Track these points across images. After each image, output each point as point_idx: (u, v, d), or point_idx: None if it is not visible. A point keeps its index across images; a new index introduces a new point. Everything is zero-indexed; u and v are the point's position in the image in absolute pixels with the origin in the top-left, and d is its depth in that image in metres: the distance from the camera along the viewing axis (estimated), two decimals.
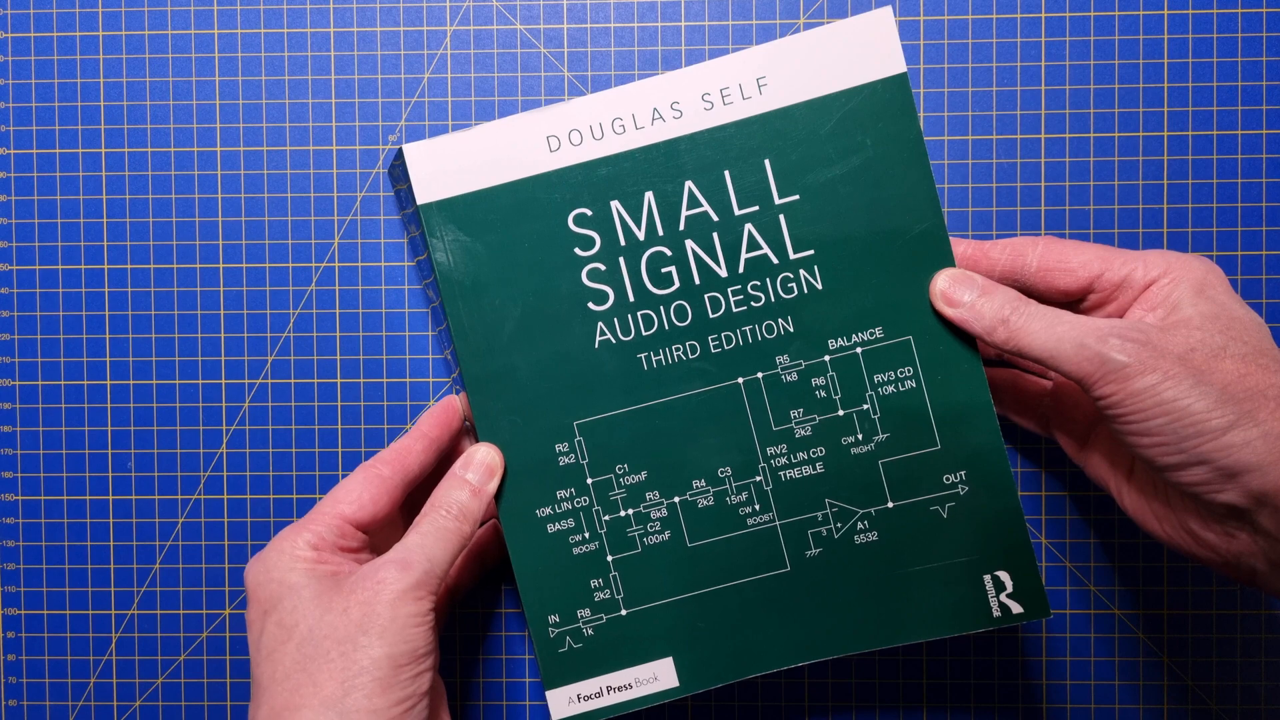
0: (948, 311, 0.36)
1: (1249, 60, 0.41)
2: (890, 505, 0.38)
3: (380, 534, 0.38)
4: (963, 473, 0.37)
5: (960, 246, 0.37)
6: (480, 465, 0.37)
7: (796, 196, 0.37)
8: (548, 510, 0.38)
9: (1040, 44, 0.42)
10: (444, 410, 0.39)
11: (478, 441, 0.37)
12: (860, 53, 0.37)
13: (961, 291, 0.36)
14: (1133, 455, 0.35)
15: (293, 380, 0.43)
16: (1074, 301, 0.37)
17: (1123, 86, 0.42)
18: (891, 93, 0.37)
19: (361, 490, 0.36)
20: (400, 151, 0.37)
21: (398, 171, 0.39)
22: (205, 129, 0.43)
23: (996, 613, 0.37)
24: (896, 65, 0.37)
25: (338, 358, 0.43)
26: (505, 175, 0.38)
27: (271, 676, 0.33)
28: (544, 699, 0.43)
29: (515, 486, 0.38)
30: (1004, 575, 0.37)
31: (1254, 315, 0.34)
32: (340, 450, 0.43)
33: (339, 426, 0.43)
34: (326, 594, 0.34)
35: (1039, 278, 0.36)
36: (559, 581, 0.38)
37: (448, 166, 0.38)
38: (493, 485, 0.37)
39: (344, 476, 0.43)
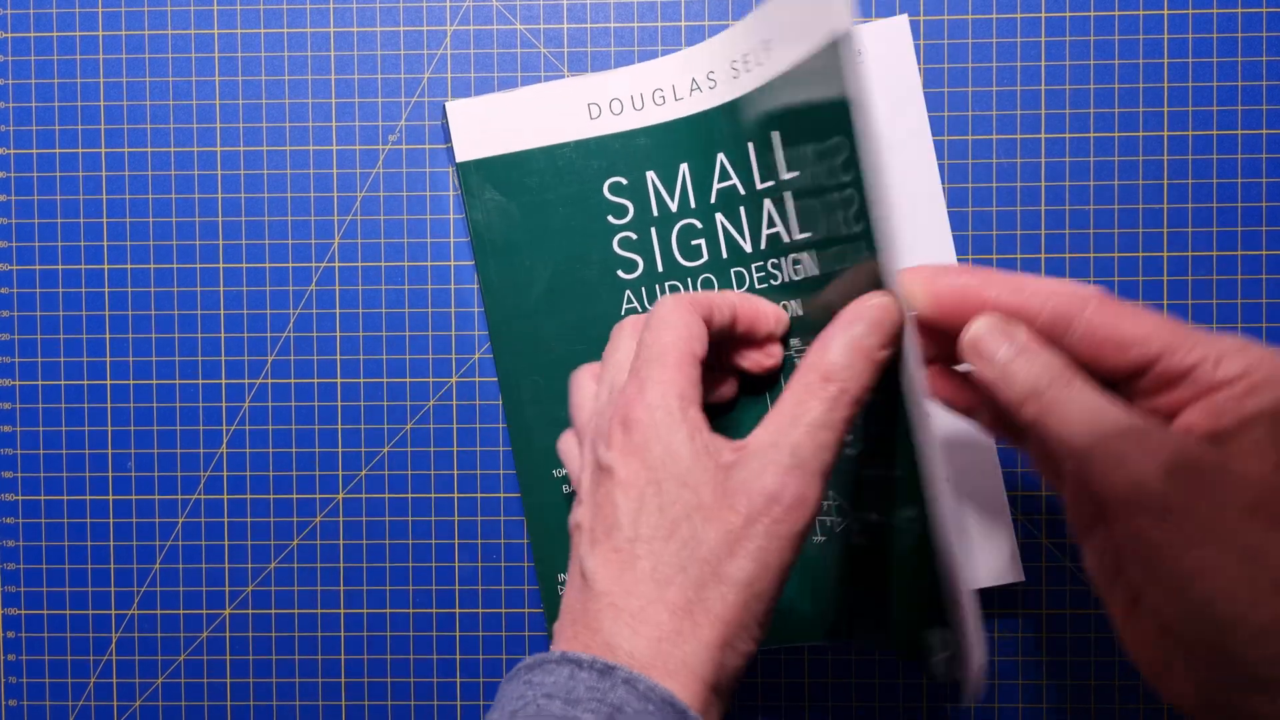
0: (975, 365, 0.29)
1: (1249, 60, 0.41)
2: (872, 516, 0.35)
3: None
4: (917, 509, 0.31)
5: (996, 286, 0.30)
6: (879, 327, 0.30)
7: (798, 173, 0.34)
8: (564, 471, 0.38)
9: (1040, 44, 0.42)
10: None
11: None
12: (815, 9, 0.31)
13: (997, 343, 0.29)
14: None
15: (293, 380, 0.43)
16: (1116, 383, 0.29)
17: (1122, 86, 0.42)
18: (828, 60, 0.30)
19: (700, 327, 0.31)
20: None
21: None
22: (205, 129, 0.43)
23: (936, 669, 0.33)
24: (839, 25, 0.29)
25: (338, 358, 0.43)
26: (545, 139, 0.38)
27: (654, 569, 0.29)
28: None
29: (533, 445, 0.38)
30: (942, 636, 0.32)
31: None
32: (340, 450, 0.43)
33: (339, 426, 0.43)
34: (711, 479, 0.29)
35: (1083, 345, 0.28)
36: (569, 542, 0.38)
37: (489, 126, 0.38)
38: (888, 354, 0.30)
39: (344, 477, 0.43)
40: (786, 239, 0.36)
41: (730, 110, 0.37)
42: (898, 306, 0.30)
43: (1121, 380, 0.29)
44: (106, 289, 0.43)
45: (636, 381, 0.31)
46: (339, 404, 0.43)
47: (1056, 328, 0.29)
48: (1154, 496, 0.25)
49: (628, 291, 0.38)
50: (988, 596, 0.42)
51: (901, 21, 0.38)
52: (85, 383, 0.43)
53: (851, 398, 0.29)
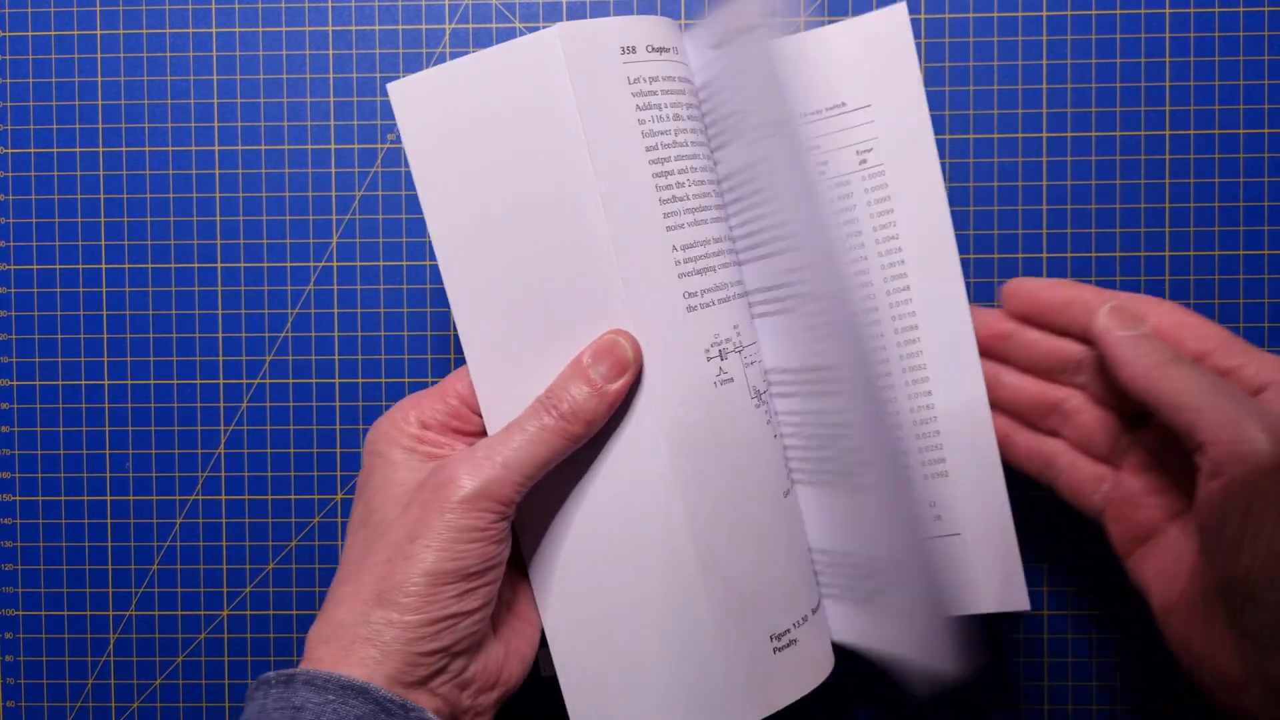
0: (1105, 336, 0.33)
1: (1251, 59, 0.41)
2: None
3: None
4: None
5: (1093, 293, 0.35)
6: (608, 356, 0.32)
7: None
8: None
9: (1041, 43, 0.42)
10: None
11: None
12: None
13: (1128, 321, 0.33)
14: (1192, 578, 0.32)
15: (291, 380, 0.43)
16: None
17: (1124, 85, 0.42)
18: None
19: None
20: None
21: None
22: (203, 128, 0.43)
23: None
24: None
25: (336, 358, 0.43)
26: None
27: (346, 556, 0.33)
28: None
29: None
30: None
31: None
32: (339, 451, 0.43)
33: (337, 427, 0.43)
34: (408, 483, 0.32)
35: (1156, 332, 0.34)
36: None
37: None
38: (620, 385, 0.32)
39: (342, 477, 0.43)
40: None
41: None
42: (629, 342, 0.32)
43: None
44: (104, 289, 0.43)
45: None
46: (337, 404, 0.43)
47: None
48: (1260, 451, 0.29)
49: None
50: None
51: (900, 10, 0.38)
52: (83, 383, 0.43)
53: (561, 413, 0.32)
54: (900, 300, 0.39)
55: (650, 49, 0.33)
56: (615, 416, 0.33)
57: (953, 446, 0.37)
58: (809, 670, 0.35)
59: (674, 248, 0.33)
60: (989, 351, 0.37)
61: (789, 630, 0.35)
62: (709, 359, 0.33)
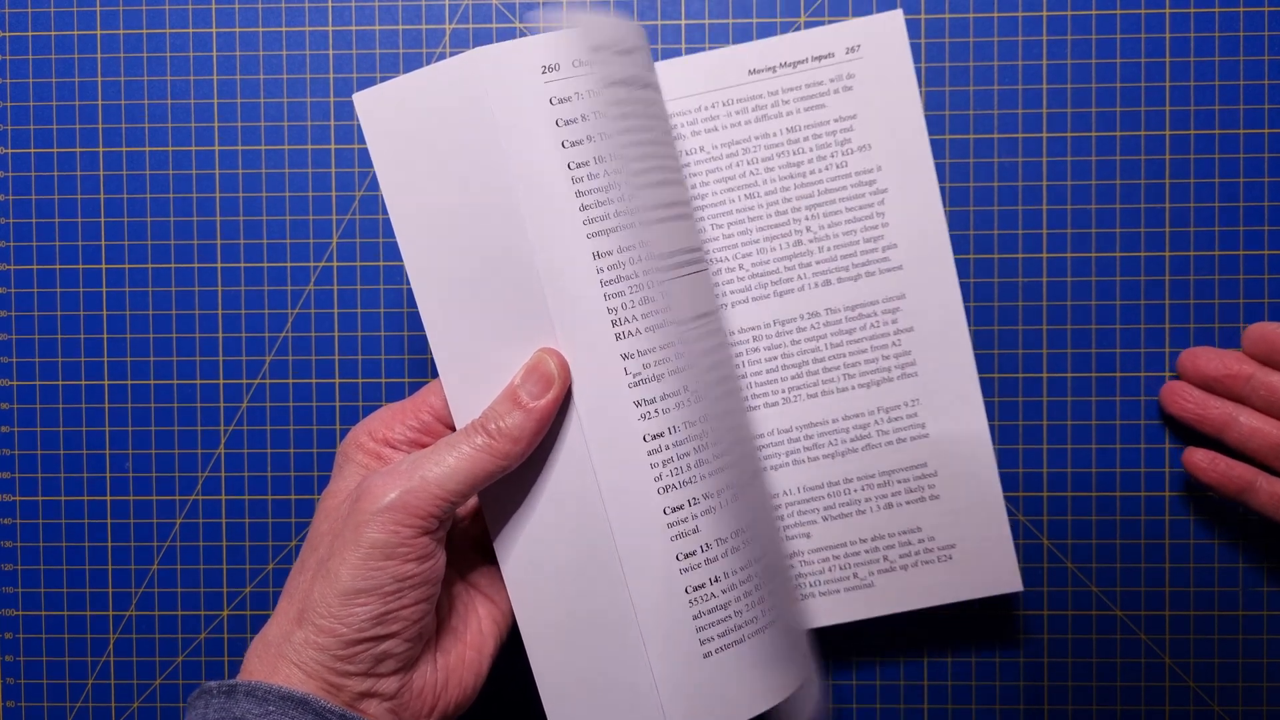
0: None
1: (1251, 59, 0.41)
2: None
3: None
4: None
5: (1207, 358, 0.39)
6: (534, 373, 0.32)
7: None
8: None
9: (1041, 42, 0.42)
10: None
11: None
12: None
13: None
14: None
15: (291, 380, 0.43)
16: None
17: (1124, 85, 0.42)
18: None
19: None
20: None
21: None
22: (203, 128, 0.43)
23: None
24: None
25: (336, 358, 0.43)
26: None
27: (292, 570, 0.33)
28: None
29: None
30: None
31: None
32: (339, 451, 0.43)
33: (337, 427, 0.43)
34: (349, 493, 0.33)
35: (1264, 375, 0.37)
36: None
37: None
38: (545, 401, 0.32)
39: None
40: None
41: None
42: (555, 358, 0.32)
43: None
44: (104, 289, 0.43)
45: None
46: (337, 404, 0.43)
47: (1234, 368, 0.39)
48: None
49: None
50: (987, 601, 0.42)
51: (896, 16, 0.38)
52: (83, 383, 0.43)
53: (489, 432, 0.32)
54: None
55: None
56: (553, 432, 0.33)
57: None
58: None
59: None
60: (1228, 392, 0.39)
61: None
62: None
